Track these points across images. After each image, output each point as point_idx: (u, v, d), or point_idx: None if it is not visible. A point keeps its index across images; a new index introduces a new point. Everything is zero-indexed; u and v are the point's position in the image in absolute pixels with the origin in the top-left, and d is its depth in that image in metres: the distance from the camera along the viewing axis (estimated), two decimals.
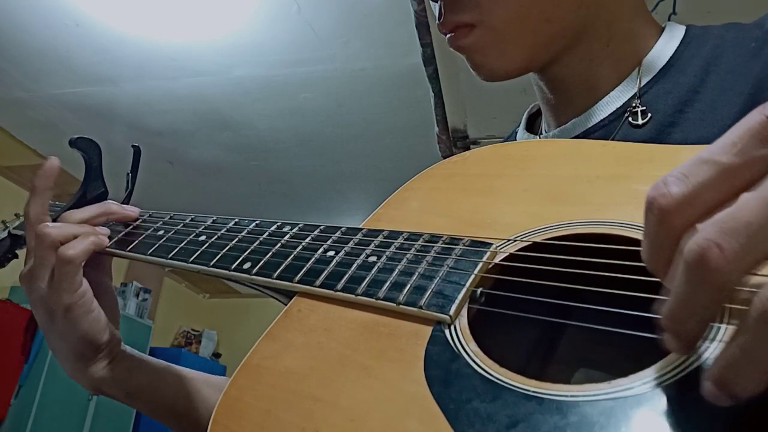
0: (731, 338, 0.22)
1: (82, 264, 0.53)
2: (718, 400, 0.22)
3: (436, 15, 0.53)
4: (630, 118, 0.49)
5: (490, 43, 0.51)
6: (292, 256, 0.45)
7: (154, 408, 0.60)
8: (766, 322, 0.20)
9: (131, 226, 0.59)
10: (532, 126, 0.64)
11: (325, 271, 0.42)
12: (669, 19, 0.56)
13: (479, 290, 0.36)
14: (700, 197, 0.23)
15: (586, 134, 0.52)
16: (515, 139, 0.64)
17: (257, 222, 0.52)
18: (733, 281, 0.22)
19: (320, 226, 0.48)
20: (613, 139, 0.49)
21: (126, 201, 0.66)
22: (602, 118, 0.51)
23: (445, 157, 0.53)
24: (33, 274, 0.53)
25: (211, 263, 0.49)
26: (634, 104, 0.50)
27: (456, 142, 2.19)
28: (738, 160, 0.23)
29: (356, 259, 0.42)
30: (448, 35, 0.52)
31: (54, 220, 0.57)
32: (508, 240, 0.39)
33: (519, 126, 0.65)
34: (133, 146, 0.67)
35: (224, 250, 0.50)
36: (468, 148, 2.18)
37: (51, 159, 0.59)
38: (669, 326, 0.24)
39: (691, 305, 0.23)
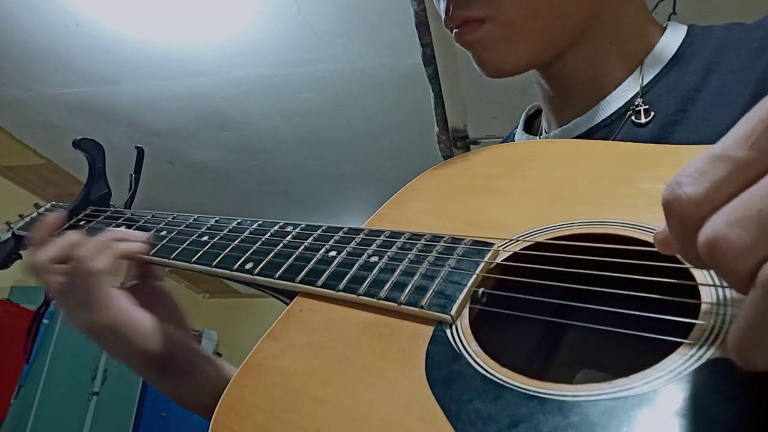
0: (740, 311, 0.21)
1: (112, 276, 0.50)
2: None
3: (442, 10, 0.52)
4: (633, 117, 0.49)
5: (500, 38, 0.50)
6: (294, 256, 0.45)
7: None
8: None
9: (135, 226, 0.59)
10: (530, 127, 0.64)
11: (327, 271, 0.42)
12: (669, 19, 0.56)
13: (481, 290, 0.36)
14: (717, 194, 0.22)
15: (588, 133, 0.52)
16: (513, 141, 0.63)
17: (259, 222, 0.52)
18: (750, 270, 0.21)
19: (322, 226, 0.48)
20: (615, 138, 0.49)
21: (129, 202, 0.66)
22: (605, 117, 0.51)
23: (445, 157, 0.53)
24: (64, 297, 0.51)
25: (214, 264, 0.49)
26: (636, 103, 0.49)
27: (456, 142, 2.19)
28: (753, 154, 0.22)
29: (358, 260, 0.42)
30: (455, 30, 0.51)
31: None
32: (510, 240, 0.39)
33: (517, 127, 0.64)
34: (136, 147, 0.67)
35: (226, 251, 0.50)
36: (468, 148, 2.18)
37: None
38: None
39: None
